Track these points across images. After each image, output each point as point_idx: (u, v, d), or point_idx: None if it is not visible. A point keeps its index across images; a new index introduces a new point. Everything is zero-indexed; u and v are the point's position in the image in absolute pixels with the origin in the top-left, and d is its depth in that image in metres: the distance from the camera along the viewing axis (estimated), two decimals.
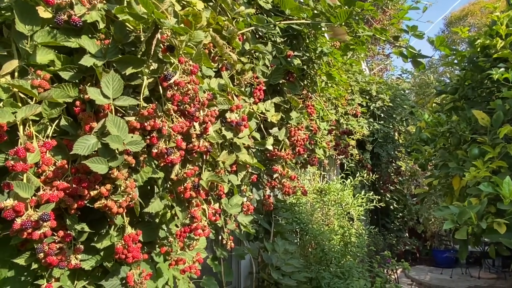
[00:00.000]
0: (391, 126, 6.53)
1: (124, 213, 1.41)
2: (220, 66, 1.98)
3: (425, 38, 2.49)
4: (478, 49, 2.50)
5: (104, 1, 1.36)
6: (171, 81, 1.31)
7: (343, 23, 2.47)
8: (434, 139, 2.84)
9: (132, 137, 1.26)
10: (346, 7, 2.52)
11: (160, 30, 1.29)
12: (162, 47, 1.35)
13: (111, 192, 1.28)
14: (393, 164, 6.93)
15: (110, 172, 1.21)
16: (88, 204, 1.29)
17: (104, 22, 1.31)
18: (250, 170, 2.31)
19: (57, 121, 1.29)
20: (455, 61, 2.63)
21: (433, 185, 2.98)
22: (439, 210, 2.15)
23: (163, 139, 1.36)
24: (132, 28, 1.38)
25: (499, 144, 2.12)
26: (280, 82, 2.73)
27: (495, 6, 2.34)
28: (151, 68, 1.37)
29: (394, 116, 6.63)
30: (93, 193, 1.26)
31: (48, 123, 1.27)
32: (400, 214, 7.30)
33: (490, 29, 2.41)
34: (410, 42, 2.75)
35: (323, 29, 2.83)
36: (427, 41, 2.50)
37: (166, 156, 1.34)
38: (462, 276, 7.43)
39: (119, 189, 1.25)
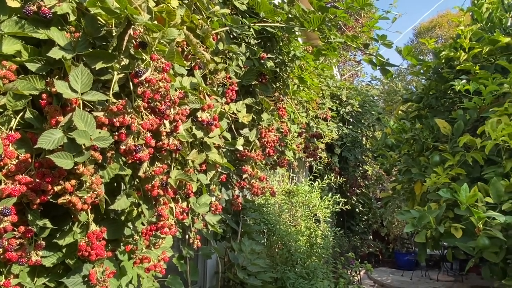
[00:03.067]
0: (359, 131, 6.69)
1: (88, 210, 1.38)
2: (193, 64, 1.98)
3: (394, 48, 2.57)
4: (443, 61, 2.61)
5: None
6: (142, 78, 1.30)
7: (316, 29, 2.52)
8: (399, 145, 2.94)
9: (99, 132, 1.24)
10: (319, 13, 2.57)
11: (132, 26, 1.28)
12: (134, 43, 1.34)
13: (76, 188, 1.26)
14: (360, 168, 7.10)
15: (75, 167, 1.19)
16: (51, 200, 1.26)
17: (75, 15, 1.29)
18: (219, 170, 2.32)
19: (21, 113, 1.25)
20: (421, 71, 2.73)
21: (396, 190, 3.08)
22: (401, 214, 2.23)
23: (132, 136, 1.34)
24: (104, 22, 1.36)
25: (458, 152, 2.23)
26: (253, 83, 2.75)
27: (460, 20, 2.45)
28: (122, 64, 1.35)
29: (362, 121, 6.80)
30: (57, 188, 1.24)
31: (12, 115, 1.24)
32: (365, 217, 7.49)
33: (455, 42, 2.52)
34: (380, 50, 2.84)
35: (296, 33, 2.87)
36: (396, 50, 2.59)
37: (134, 153, 1.33)
38: (422, 278, 7.69)
39: (84, 185, 1.23)
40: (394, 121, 2.89)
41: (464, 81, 2.25)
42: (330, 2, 2.57)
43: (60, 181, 1.25)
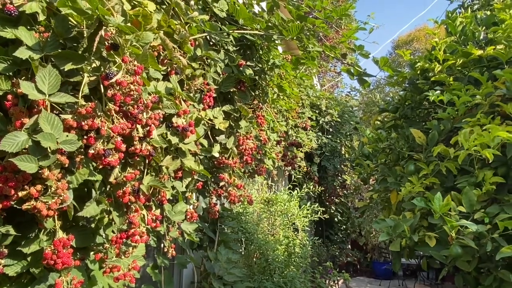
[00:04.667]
0: (338, 141, 6.75)
1: (55, 216, 1.33)
2: (169, 69, 1.95)
3: (371, 58, 2.61)
4: (418, 72, 2.65)
5: None
6: (113, 80, 1.27)
7: (294, 37, 2.53)
8: (376, 155, 2.97)
9: (67, 136, 1.20)
10: (298, 22, 2.59)
11: (104, 28, 1.25)
12: (106, 44, 1.31)
13: (42, 193, 1.21)
14: (339, 177, 7.15)
15: (40, 171, 1.15)
16: (15, 205, 1.21)
17: (45, 14, 1.25)
18: (196, 177, 2.28)
19: None
20: (398, 82, 2.77)
21: (373, 199, 3.10)
22: (377, 223, 2.24)
23: (102, 140, 1.30)
24: (75, 22, 1.32)
25: (433, 162, 2.26)
26: (231, 90, 2.74)
27: (435, 32, 2.51)
28: (93, 66, 1.31)
29: (341, 131, 6.86)
30: (21, 193, 1.18)
31: None
32: (344, 226, 7.52)
33: (430, 54, 2.57)
34: (359, 62, 2.88)
35: (276, 41, 2.88)
36: (373, 61, 2.62)
37: (103, 158, 1.29)
38: (399, 287, 7.76)
39: (50, 190, 1.18)
40: (370, 130, 2.92)
41: (438, 92, 2.28)
42: (309, 12, 2.60)
43: (25, 186, 1.20)
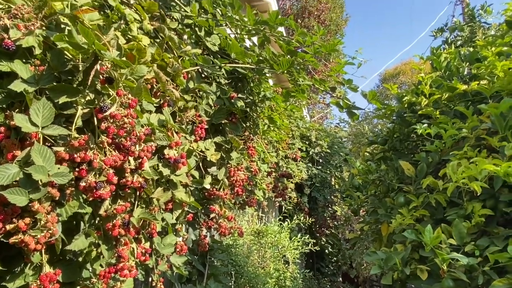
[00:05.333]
0: (328, 172, 6.78)
1: (43, 250, 1.30)
2: (162, 102, 1.97)
3: (359, 92, 2.67)
4: (406, 105, 2.72)
5: (44, 27, 1.32)
6: (107, 113, 1.28)
7: (285, 71, 2.59)
8: (366, 186, 2.99)
9: (59, 168, 1.19)
10: (288, 56, 2.66)
11: (100, 62, 1.27)
12: (101, 78, 1.33)
13: (30, 227, 1.19)
14: (329, 208, 7.13)
15: (30, 204, 1.13)
16: (2, 239, 1.18)
17: (41, 48, 1.27)
18: (186, 209, 2.26)
19: None
20: (386, 115, 2.83)
21: (364, 231, 3.09)
22: (368, 255, 2.23)
23: (93, 173, 1.30)
24: (70, 56, 1.35)
25: (422, 194, 2.28)
26: (223, 122, 2.76)
27: (421, 68, 2.59)
28: (87, 99, 1.33)
29: (331, 162, 6.91)
30: (9, 226, 1.16)
31: None
32: (335, 258, 7.43)
33: (416, 88, 2.65)
34: (347, 95, 2.94)
35: (267, 75, 2.94)
36: (361, 94, 2.68)
37: (95, 191, 1.28)
38: None
39: (39, 223, 1.16)
40: (360, 162, 2.95)
41: (425, 125, 2.34)
42: (299, 47, 2.67)
43: (13, 219, 1.18)
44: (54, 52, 1.31)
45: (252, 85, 3.23)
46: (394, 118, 2.87)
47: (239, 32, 3.04)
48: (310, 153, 6.51)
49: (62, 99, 1.23)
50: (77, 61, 1.35)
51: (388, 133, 2.95)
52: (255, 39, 3.10)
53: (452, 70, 2.61)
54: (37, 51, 1.27)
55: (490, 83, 2.35)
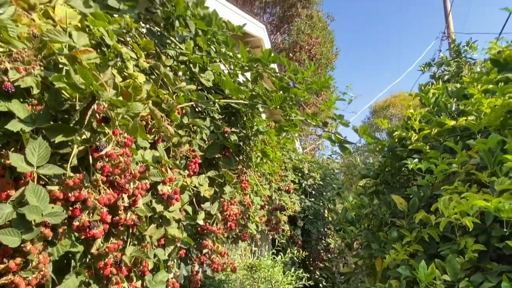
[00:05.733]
0: (321, 204, 6.76)
1: None
2: (156, 138, 1.99)
3: (350, 126, 2.72)
4: (396, 140, 2.76)
5: (42, 67, 1.35)
6: (103, 152, 1.29)
7: (278, 107, 2.64)
8: (359, 220, 2.99)
9: (52, 207, 1.19)
10: (281, 92, 2.72)
11: (97, 101, 1.30)
12: (97, 117, 1.35)
13: (21, 267, 1.17)
14: (323, 241, 7.06)
15: (22, 245, 1.12)
16: None
17: (39, 88, 1.29)
18: (179, 245, 2.23)
19: None
20: (377, 149, 2.87)
21: (358, 265, 3.07)
22: None
23: (87, 211, 1.29)
24: (68, 96, 1.37)
25: (415, 229, 2.28)
26: (216, 156, 2.78)
27: (410, 104, 2.66)
28: (83, 137, 1.34)
29: (324, 194, 6.90)
30: None
31: None
32: None
33: (406, 123, 2.70)
34: (338, 127, 2.99)
35: (260, 109, 2.99)
36: (352, 129, 2.73)
37: (88, 230, 1.27)
38: None
39: (30, 264, 1.15)
40: (353, 196, 2.96)
41: (416, 160, 2.37)
42: (291, 81, 2.74)
43: (4, 259, 1.16)
44: (51, 92, 1.33)
45: (245, 119, 3.28)
46: (385, 152, 2.91)
47: (232, 68, 3.11)
48: (303, 185, 6.51)
49: (59, 138, 1.25)
50: (74, 100, 1.37)
51: (379, 167, 2.98)
52: (248, 74, 3.17)
53: (441, 106, 2.68)
54: (35, 91, 1.29)
55: (478, 119, 2.41)
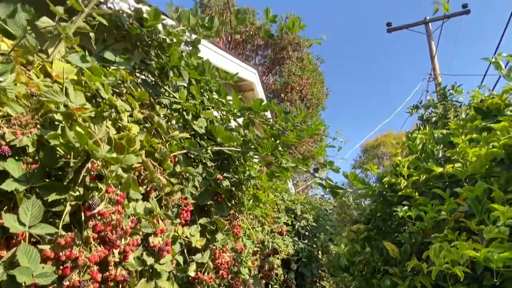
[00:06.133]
0: (315, 246, 6.68)
1: None
2: (148, 189, 2.01)
3: (341, 172, 2.76)
4: (386, 186, 2.80)
5: (38, 125, 1.39)
6: (95, 211, 1.30)
7: (269, 153, 2.68)
8: (352, 265, 2.96)
9: (43, 267, 1.19)
10: (272, 139, 2.77)
11: (91, 159, 1.33)
12: (91, 174, 1.37)
13: None
14: (318, 284, 6.91)
15: None
16: None
17: (34, 147, 1.32)
18: None
19: None
20: (367, 194, 2.90)
21: None
22: None
23: (77, 270, 1.29)
24: (62, 153, 1.40)
25: (408, 277, 2.28)
26: (208, 203, 2.78)
27: (397, 152, 2.72)
28: (76, 194, 1.36)
29: (317, 235, 6.84)
30: None
31: None
32: None
33: (395, 169, 2.75)
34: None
35: (251, 154, 3.03)
36: (343, 175, 2.77)
37: None
38: None
39: None
40: (345, 243, 2.96)
41: (406, 207, 2.40)
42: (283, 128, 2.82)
43: None
44: (47, 150, 1.36)
45: (237, 163, 3.31)
46: (376, 197, 2.94)
47: (225, 114, 3.18)
48: (296, 226, 6.46)
49: (52, 197, 1.26)
50: (69, 157, 1.40)
51: (371, 212, 3.00)
52: (240, 119, 3.24)
53: (428, 152, 2.74)
54: (30, 149, 1.32)
55: (464, 166, 2.47)
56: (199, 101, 2.87)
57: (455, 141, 2.39)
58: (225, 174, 2.99)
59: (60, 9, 1.82)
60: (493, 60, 2.95)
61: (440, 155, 2.75)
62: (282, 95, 18.32)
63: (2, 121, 1.22)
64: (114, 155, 1.42)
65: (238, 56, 5.88)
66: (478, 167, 2.32)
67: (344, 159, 4.46)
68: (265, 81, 19.27)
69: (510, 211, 1.88)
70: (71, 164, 1.35)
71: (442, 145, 2.88)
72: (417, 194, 2.57)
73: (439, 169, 2.54)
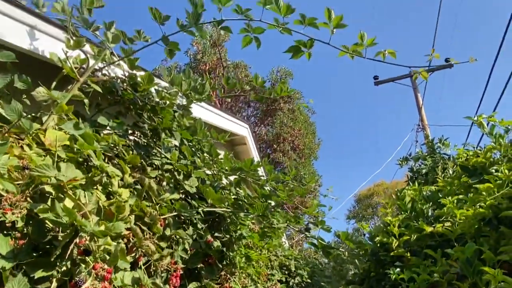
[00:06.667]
0: None
1: None
2: (137, 256, 1.98)
3: (332, 232, 2.75)
4: (378, 245, 2.79)
5: (28, 198, 1.40)
6: None
7: (260, 214, 2.68)
8: None
9: None
10: (263, 199, 2.79)
11: (80, 234, 1.33)
12: (79, 249, 1.36)
13: None
14: None
15: None
16: None
17: (23, 221, 1.32)
18: None
19: None
20: (360, 254, 2.88)
21: None
22: None
23: None
24: (51, 226, 1.40)
25: None
26: (198, 266, 2.73)
27: (388, 211, 2.74)
28: (63, 269, 1.34)
29: None
30: None
31: None
32: None
33: (386, 228, 2.76)
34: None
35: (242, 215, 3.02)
36: (334, 234, 2.77)
37: None
38: None
39: None
40: None
41: (398, 269, 2.38)
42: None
43: None
44: (35, 223, 1.36)
45: (228, 221, 3.29)
46: (369, 256, 2.91)
47: (216, 172, 3.20)
48: (291, 283, 6.28)
49: (38, 274, 1.25)
50: (57, 230, 1.40)
51: (364, 272, 2.95)
52: (232, 176, 3.26)
53: (418, 211, 2.76)
54: (19, 224, 1.32)
55: (454, 225, 2.48)
56: (191, 161, 2.90)
57: (443, 202, 2.43)
58: (216, 234, 2.96)
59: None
60: (475, 119, 3.07)
61: (429, 213, 2.77)
62: (274, 145, 18.51)
63: None
64: (103, 227, 1.42)
65: (230, 111, 6.02)
66: (467, 227, 2.34)
67: (336, 218, 4.47)
68: (258, 132, 19.53)
69: (500, 274, 1.88)
70: (59, 238, 1.35)
71: (431, 203, 2.90)
72: (409, 254, 2.55)
73: (429, 229, 2.55)
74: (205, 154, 3.14)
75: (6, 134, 1.38)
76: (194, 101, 2.79)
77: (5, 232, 1.33)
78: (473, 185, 2.54)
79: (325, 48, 2.34)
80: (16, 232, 1.34)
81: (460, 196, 2.46)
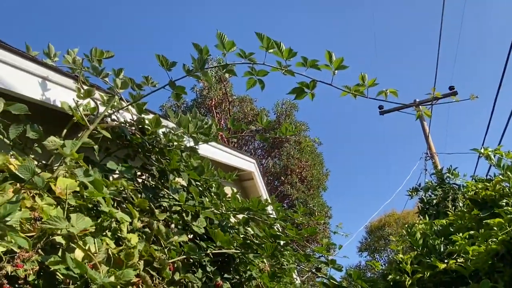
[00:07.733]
0: None
1: None
2: None
3: (344, 271, 2.71)
4: (391, 283, 2.74)
5: (39, 249, 1.42)
6: None
7: (269, 255, 2.66)
8: None
9: None
10: (271, 239, 2.77)
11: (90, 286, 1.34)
12: None
13: None
14: None
15: None
16: None
17: (35, 275, 1.34)
18: None
19: None
20: None
21: None
22: None
23: None
24: (62, 278, 1.41)
25: None
26: None
27: (399, 248, 2.71)
28: None
29: None
30: None
31: None
32: None
33: (398, 266, 2.71)
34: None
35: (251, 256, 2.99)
36: (346, 273, 2.72)
37: None
38: None
39: None
40: None
41: None
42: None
43: None
44: (46, 276, 1.37)
45: (238, 261, 3.25)
46: None
47: (224, 211, 3.20)
48: None
49: None
50: (68, 282, 1.41)
51: None
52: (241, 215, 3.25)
53: (430, 247, 2.72)
54: (31, 278, 1.34)
55: (467, 262, 2.44)
56: (198, 201, 2.91)
57: (454, 239, 2.40)
58: (225, 275, 2.93)
59: None
60: (482, 151, 3.07)
61: (442, 249, 2.72)
62: (282, 177, 18.46)
63: (5, 258, 1.25)
64: (113, 278, 1.43)
65: (237, 144, 6.07)
66: (480, 263, 2.30)
67: (347, 257, 4.39)
68: (265, 165, 19.54)
69: None
70: None
71: (443, 237, 2.86)
72: None
73: (442, 265, 2.50)
74: (212, 194, 3.15)
75: (21, 191, 1.41)
76: (201, 142, 2.83)
77: (16, 286, 1.34)
78: (484, 220, 2.52)
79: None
80: (28, 286, 1.35)
81: (472, 232, 2.43)
